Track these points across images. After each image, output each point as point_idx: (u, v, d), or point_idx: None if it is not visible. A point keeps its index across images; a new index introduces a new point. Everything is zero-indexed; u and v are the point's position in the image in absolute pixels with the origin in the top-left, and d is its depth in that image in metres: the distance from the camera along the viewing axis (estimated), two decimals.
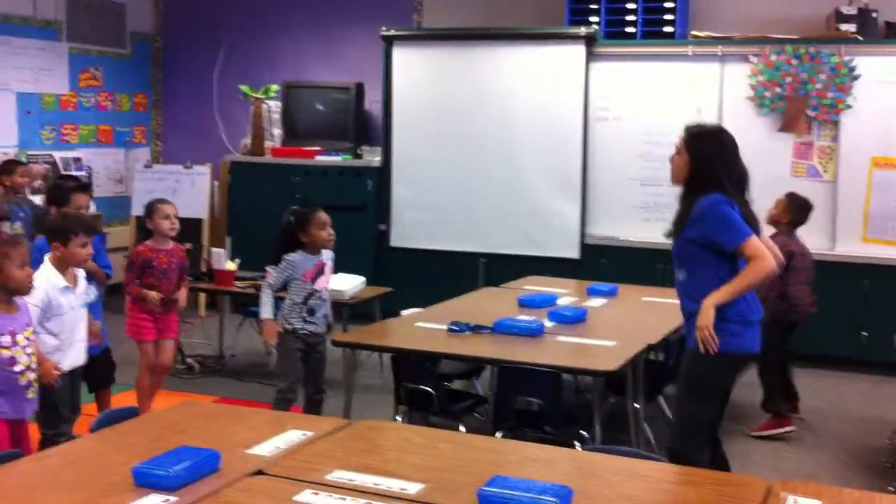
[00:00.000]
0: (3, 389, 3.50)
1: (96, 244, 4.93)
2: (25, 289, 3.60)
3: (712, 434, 3.91)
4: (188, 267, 5.59)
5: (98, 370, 4.93)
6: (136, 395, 5.41)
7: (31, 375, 3.60)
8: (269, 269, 5.03)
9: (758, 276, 3.61)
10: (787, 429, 5.50)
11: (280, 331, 4.89)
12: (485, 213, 8.05)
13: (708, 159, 3.75)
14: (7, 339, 3.47)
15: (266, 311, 4.84)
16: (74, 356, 4.27)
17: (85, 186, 5.35)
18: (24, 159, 8.01)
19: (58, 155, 8.46)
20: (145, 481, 2.55)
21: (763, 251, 3.62)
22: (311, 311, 4.89)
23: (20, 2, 8.23)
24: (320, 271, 4.93)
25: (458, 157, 8.10)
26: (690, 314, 3.76)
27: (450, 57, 8.17)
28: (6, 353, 3.47)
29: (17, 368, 3.51)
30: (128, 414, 3.31)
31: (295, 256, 4.86)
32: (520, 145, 7.93)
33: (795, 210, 5.57)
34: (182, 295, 5.43)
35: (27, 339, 3.58)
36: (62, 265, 4.17)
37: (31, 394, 3.62)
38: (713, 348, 3.59)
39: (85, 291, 4.35)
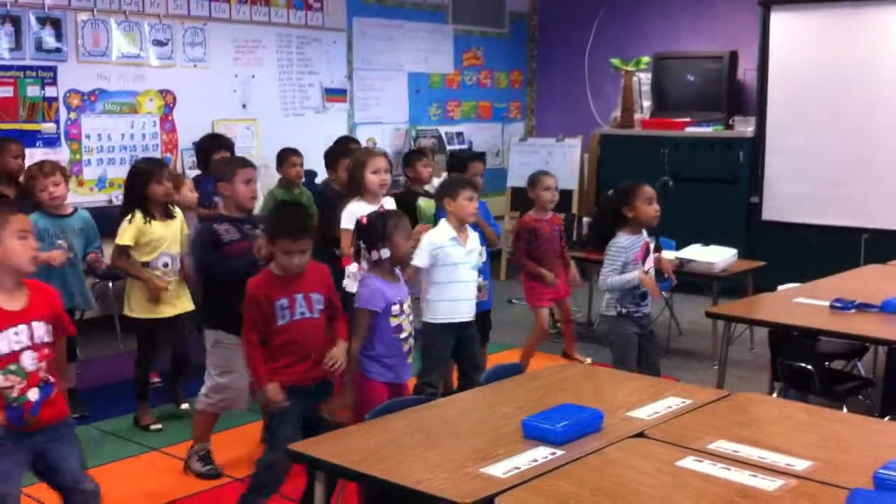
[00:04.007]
0: (389, 355, 3.73)
1: (482, 210, 5.29)
2: (408, 259, 3.86)
3: None
4: (564, 235, 5.87)
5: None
6: (520, 353, 5.76)
7: (412, 342, 3.84)
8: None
9: None
10: None
11: (614, 314, 4.57)
12: (870, 185, 7.49)
13: None
14: (396, 308, 3.72)
15: (628, 277, 4.44)
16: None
17: (480, 154, 5.71)
18: (413, 134, 8.73)
19: (443, 130, 9.08)
20: (533, 434, 2.72)
21: None
22: (644, 295, 4.53)
23: None
24: (647, 251, 4.58)
25: (840, 127, 7.61)
26: None
27: (834, 20, 7.67)
28: (395, 322, 3.72)
29: (402, 335, 3.76)
30: (513, 370, 3.52)
31: (622, 241, 4.51)
32: None
33: None
34: (572, 274, 5.91)
35: (410, 307, 3.82)
36: (454, 221, 4.42)
37: (411, 359, 3.86)
38: None
39: (477, 252, 4.58)
